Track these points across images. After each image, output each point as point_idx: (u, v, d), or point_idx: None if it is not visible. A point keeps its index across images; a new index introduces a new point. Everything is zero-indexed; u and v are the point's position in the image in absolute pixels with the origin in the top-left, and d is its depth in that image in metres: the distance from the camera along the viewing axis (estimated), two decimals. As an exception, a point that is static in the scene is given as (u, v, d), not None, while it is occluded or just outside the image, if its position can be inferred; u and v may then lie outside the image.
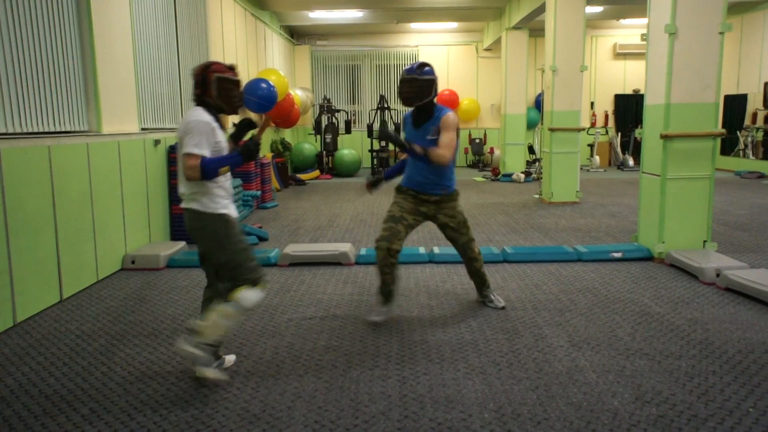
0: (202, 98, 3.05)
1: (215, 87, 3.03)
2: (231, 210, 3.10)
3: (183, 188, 3.04)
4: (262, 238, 6.63)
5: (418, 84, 3.79)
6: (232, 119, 7.44)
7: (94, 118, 5.20)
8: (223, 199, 3.06)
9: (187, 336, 3.05)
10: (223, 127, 3.10)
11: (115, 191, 5.42)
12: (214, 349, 3.10)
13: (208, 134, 2.95)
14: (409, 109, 3.97)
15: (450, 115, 3.86)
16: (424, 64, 3.88)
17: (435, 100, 3.91)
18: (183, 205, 3.07)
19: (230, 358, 3.33)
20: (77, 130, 4.99)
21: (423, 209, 4.00)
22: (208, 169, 2.89)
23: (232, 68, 3.12)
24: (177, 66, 7.28)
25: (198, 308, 4.29)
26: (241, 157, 3.00)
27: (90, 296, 4.66)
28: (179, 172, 3.02)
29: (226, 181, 3.10)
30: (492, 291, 4.33)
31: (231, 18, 9.88)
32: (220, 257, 3.03)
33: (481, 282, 4.28)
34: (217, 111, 3.08)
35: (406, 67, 3.88)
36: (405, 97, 3.82)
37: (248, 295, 3.01)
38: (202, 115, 2.98)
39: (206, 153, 2.92)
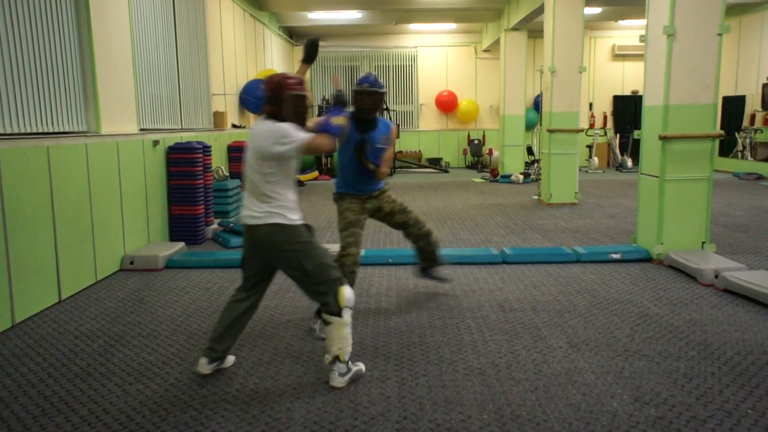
0: (275, 114, 3.05)
1: (291, 105, 3.05)
2: None
3: (258, 204, 3.02)
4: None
5: (378, 97, 3.99)
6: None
7: (93, 119, 5.20)
8: (297, 209, 3.10)
9: (331, 369, 3.05)
10: None
11: (114, 192, 5.41)
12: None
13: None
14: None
15: (395, 129, 4.11)
16: (376, 77, 4.04)
17: None
18: (255, 222, 3.01)
19: (230, 359, 3.33)
20: (76, 131, 4.99)
21: (368, 206, 4.17)
22: (328, 129, 3.06)
23: (302, 82, 3.14)
24: (176, 66, 7.28)
25: (198, 309, 4.30)
26: (336, 105, 3.19)
27: (89, 297, 4.66)
28: (250, 191, 3.05)
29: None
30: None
31: (230, 18, 9.89)
32: (307, 266, 2.99)
33: (434, 255, 4.44)
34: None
35: (363, 77, 4.01)
36: (367, 110, 3.98)
37: (349, 295, 3.04)
38: (282, 123, 3.02)
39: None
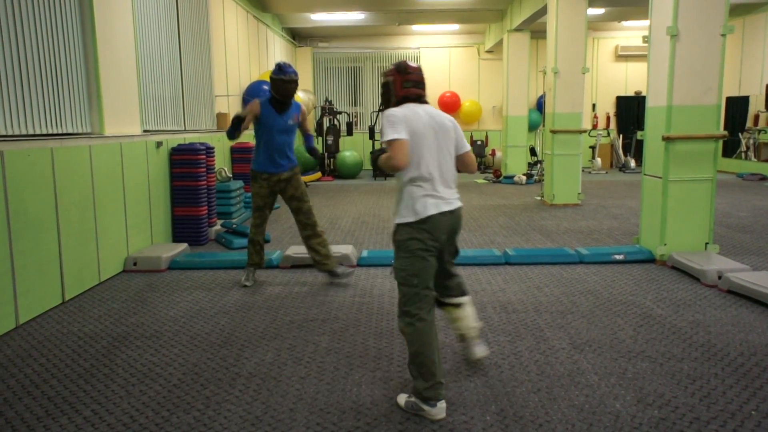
0: (425, 101, 3.03)
1: None
2: None
3: (448, 190, 2.94)
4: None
5: (297, 84, 4.76)
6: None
7: (97, 120, 5.21)
8: None
9: (477, 343, 3.29)
10: None
11: (117, 193, 5.43)
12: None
13: None
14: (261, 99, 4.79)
15: (304, 109, 4.95)
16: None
17: None
18: (453, 206, 2.93)
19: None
20: (80, 132, 5.00)
21: (276, 189, 4.86)
22: None
23: None
24: (179, 68, 7.29)
25: (201, 310, 4.30)
26: None
27: (92, 298, 4.67)
28: (438, 175, 2.90)
29: None
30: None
31: (233, 20, 9.90)
32: (456, 246, 3.12)
33: (327, 255, 4.90)
34: None
35: (285, 66, 4.67)
36: (290, 95, 4.73)
37: None
38: None
39: None
